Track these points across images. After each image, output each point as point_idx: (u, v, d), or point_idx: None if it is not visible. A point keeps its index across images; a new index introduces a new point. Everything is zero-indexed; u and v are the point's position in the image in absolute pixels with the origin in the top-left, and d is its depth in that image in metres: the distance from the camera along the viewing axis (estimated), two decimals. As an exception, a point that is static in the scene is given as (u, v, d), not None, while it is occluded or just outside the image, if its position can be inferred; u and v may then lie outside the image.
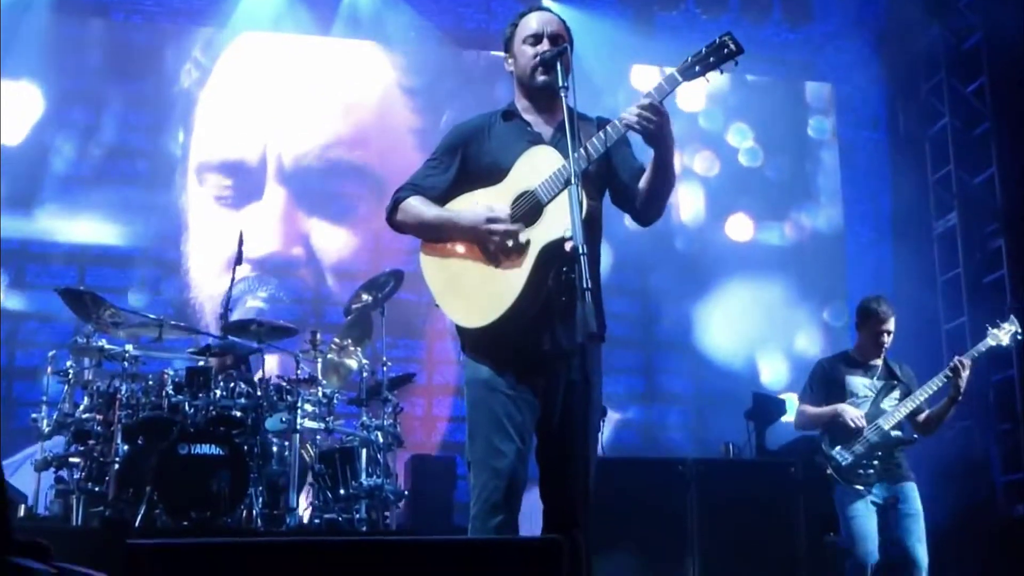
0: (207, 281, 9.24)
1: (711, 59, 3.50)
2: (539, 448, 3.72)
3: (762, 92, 10.91)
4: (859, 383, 6.23)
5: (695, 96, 10.07)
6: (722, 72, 3.52)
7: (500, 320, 3.57)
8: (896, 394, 6.16)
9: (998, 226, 9.70)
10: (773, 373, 10.29)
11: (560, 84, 3.55)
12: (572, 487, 3.50)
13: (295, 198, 9.77)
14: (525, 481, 3.65)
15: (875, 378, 6.23)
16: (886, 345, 6.27)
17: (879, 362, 6.29)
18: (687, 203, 10.62)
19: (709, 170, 10.63)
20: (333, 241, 9.24)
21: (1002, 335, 6.13)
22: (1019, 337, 6.16)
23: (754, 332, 10.38)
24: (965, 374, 5.96)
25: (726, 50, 3.50)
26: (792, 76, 11.37)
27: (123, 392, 6.34)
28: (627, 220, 3.96)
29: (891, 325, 6.26)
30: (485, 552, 2.65)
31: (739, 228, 10.75)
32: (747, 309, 10.34)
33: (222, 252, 9.02)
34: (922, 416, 6.15)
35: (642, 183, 3.77)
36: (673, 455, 8.09)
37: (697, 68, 3.52)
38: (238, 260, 7.06)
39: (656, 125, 3.51)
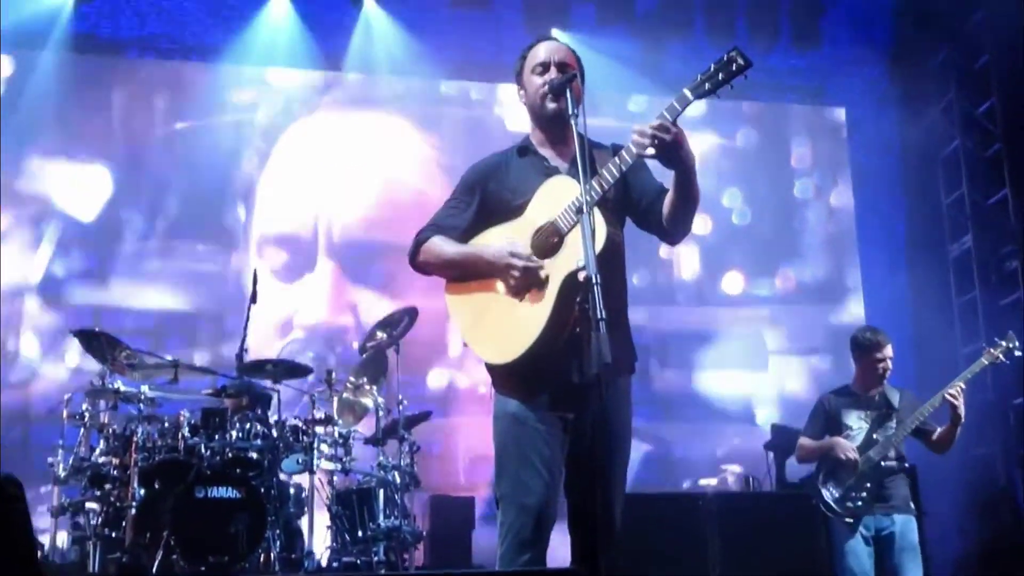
0: (263, 344, 9.38)
1: (720, 75, 3.47)
2: (567, 481, 3.68)
3: (751, 157, 11.01)
4: (853, 416, 6.27)
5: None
6: (732, 87, 3.49)
7: (527, 353, 3.55)
8: (891, 424, 6.16)
9: (1013, 247, 9.65)
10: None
11: (570, 111, 3.54)
12: (596, 520, 3.45)
13: (344, 270, 10.13)
14: (555, 517, 3.62)
15: (870, 409, 6.24)
16: (887, 373, 6.27)
17: (878, 392, 6.28)
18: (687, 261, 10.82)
19: (703, 228, 10.65)
20: (378, 309, 9.35)
21: (998, 352, 6.12)
22: (1017, 353, 6.13)
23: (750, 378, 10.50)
24: (960, 399, 5.96)
25: (735, 65, 3.47)
26: (802, 101, 11.38)
27: (139, 435, 6.33)
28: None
29: (888, 352, 6.28)
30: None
31: (732, 283, 10.86)
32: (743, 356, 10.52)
33: (276, 318, 9.64)
34: (934, 435, 6.15)
35: (666, 204, 3.74)
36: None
37: (707, 85, 3.49)
38: (252, 299, 7.03)
39: (670, 145, 3.48)
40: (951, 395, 5.95)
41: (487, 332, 3.69)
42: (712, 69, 3.50)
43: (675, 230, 3.80)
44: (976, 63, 10.15)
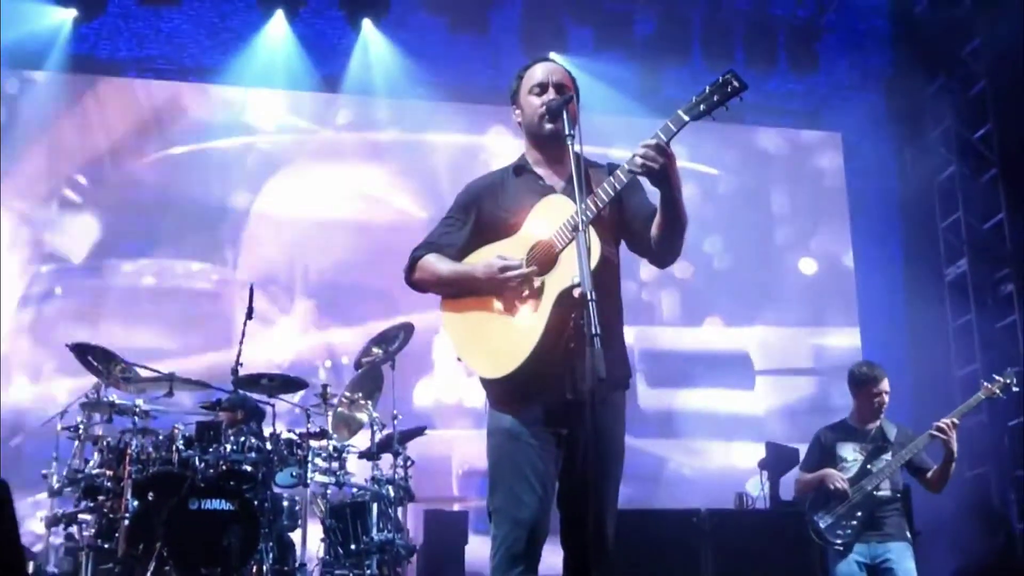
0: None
1: (715, 97, 3.48)
2: (560, 496, 3.66)
3: (731, 202, 11.08)
4: (848, 448, 6.28)
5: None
6: (727, 109, 3.51)
7: (521, 368, 3.55)
8: (887, 456, 6.17)
9: (1008, 271, 9.68)
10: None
11: (567, 132, 3.55)
12: (588, 535, 3.45)
13: (320, 311, 10.25)
14: (547, 532, 3.60)
15: (866, 442, 6.25)
16: (883, 407, 6.29)
17: (875, 426, 6.29)
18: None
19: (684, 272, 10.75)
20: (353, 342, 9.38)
21: (995, 388, 6.13)
22: (1015, 389, 6.14)
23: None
24: (953, 434, 5.97)
25: (730, 88, 3.48)
26: (799, 126, 11.45)
27: (133, 447, 6.32)
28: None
29: (885, 386, 6.29)
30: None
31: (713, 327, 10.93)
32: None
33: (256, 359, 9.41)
34: (929, 473, 6.16)
35: (654, 227, 3.75)
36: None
37: (702, 107, 3.49)
38: (249, 314, 7.05)
39: (661, 166, 3.50)
40: (940, 430, 5.97)
41: (481, 347, 3.70)
42: (707, 91, 3.51)
43: (662, 251, 3.79)
44: (972, 89, 10.22)
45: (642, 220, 3.80)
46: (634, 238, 3.86)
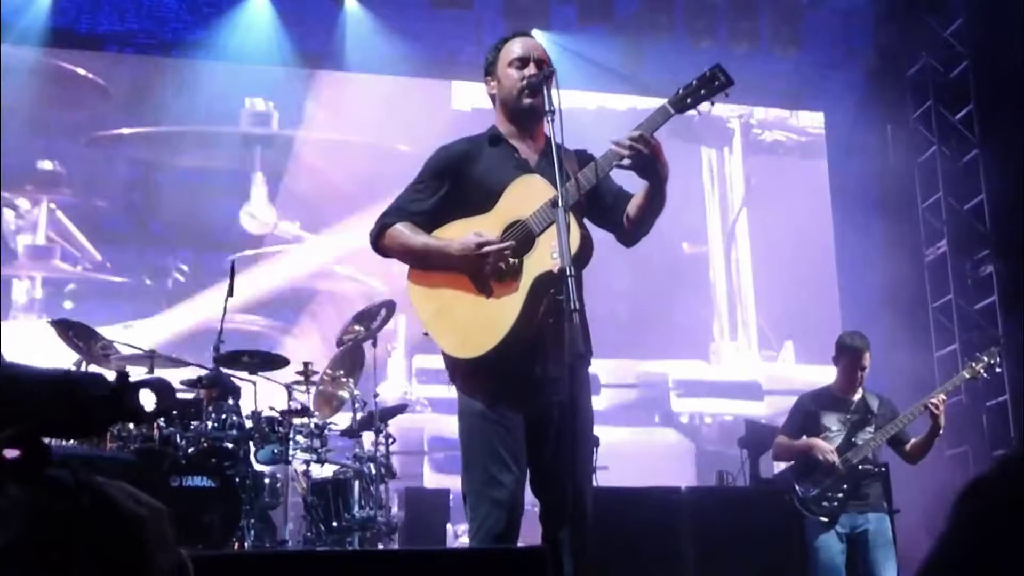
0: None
1: (702, 91, 3.52)
2: (533, 474, 3.68)
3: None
4: (833, 418, 6.32)
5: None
6: (712, 104, 3.53)
7: (494, 350, 3.55)
8: (870, 428, 6.21)
9: (988, 253, 9.73)
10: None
11: (548, 108, 3.55)
12: (566, 509, 3.47)
13: None
14: (523, 509, 3.62)
15: (849, 413, 6.27)
16: (862, 379, 6.31)
17: (857, 396, 6.31)
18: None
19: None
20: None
21: (979, 367, 6.16)
22: (997, 369, 6.18)
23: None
24: (941, 409, 6.00)
25: (717, 82, 3.52)
26: (781, 105, 11.45)
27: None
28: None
29: (866, 360, 6.32)
30: (473, 560, 2.65)
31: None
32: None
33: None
34: (908, 445, 6.19)
35: (632, 209, 3.76)
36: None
37: (688, 100, 3.53)
38: (229, 292, 7.01)
39: (647, 157, 3.51)
40: (933, 404, 5.99)
41: (452, 324, 3.68)
42: (694, 85, 3.54)
43: (637, 232, 3.84)
44: (954, 70, 10.24)
45: (610, 199, 3.84)
46: (602, 215, 3.87)
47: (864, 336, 6.43)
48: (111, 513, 1.62)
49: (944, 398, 6.05)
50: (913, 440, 6.19)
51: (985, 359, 6.18)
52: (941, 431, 6.08)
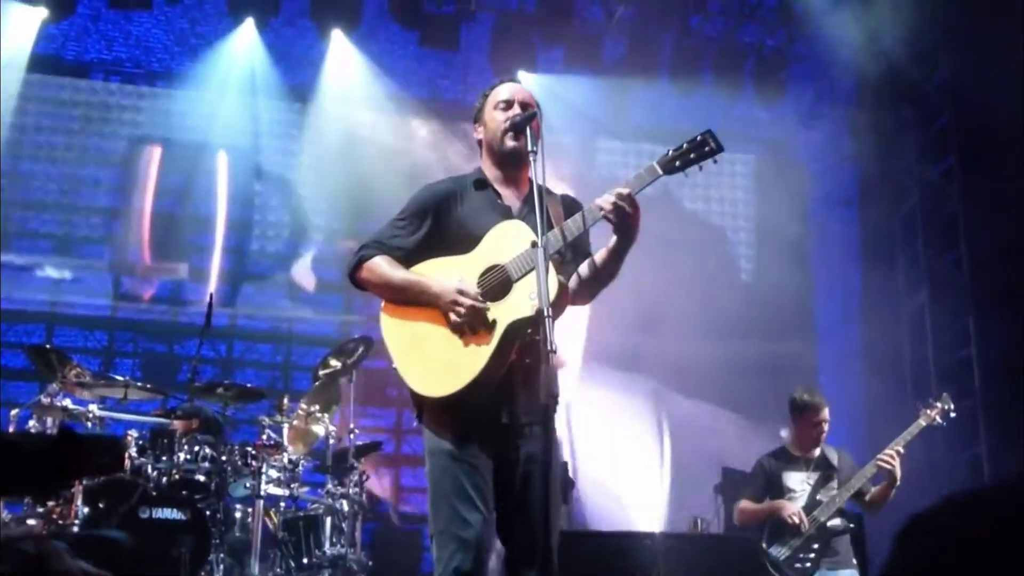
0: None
1: (692, 155, 3.53)
2: (499, 520, 3.64)
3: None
4: (795, 478, 6.30)
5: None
6: (701, 169, 3.54)
7: (461, 391, 3.52)
8: (833, 484, 6.20)
9: (966, 305, 9.74)
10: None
11: (530, 148, 3.54)
12: (534, 559, 3.45)
13: None
14: (491, 550, 3.60)
15: (810, 470, 6.26)
16: (823, 435, 6.30)
17: (816, 453, 6.31)
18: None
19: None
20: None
21: (935, 414, 6.15)
22: (952, 415, 6.17)
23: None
24: (897, 462, 5.99)
25: (707, 148, 3.53)
26: (764, 153, 11.51)
27: (85, 453, 6.23)
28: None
29: (826, 414, 6.31)
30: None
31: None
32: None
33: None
34: (868, 496, 6.17)
35: (587, 268, 3.77)
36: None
37: (677, 163, 3.53)
38: (207, 324, 6.99)
39: (629, 215, 3.53)
40: (884, 461, 5.99)
41: (421, 361, 3.65)
42: (684, 148, 3.55)
43: (586, 294, 3.83)
44: (936, 123, 10.30)
45: (575, 254, 3.83)
46: (561, 269, 3.82)
47: (817, 391, 6.43)
48: None
49: (900, 450, 6.03)
50: (873, 490, 6.16)
51: (940, 405, 6.17)
52: (898, 482, 6.05)
